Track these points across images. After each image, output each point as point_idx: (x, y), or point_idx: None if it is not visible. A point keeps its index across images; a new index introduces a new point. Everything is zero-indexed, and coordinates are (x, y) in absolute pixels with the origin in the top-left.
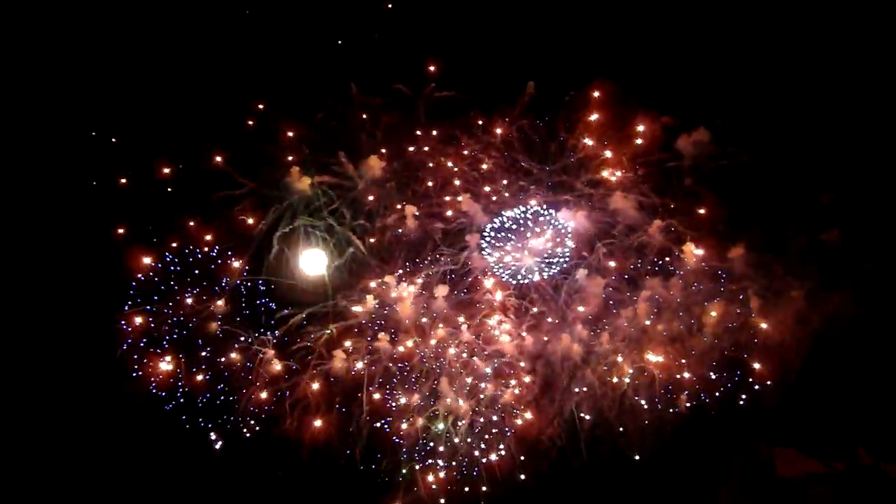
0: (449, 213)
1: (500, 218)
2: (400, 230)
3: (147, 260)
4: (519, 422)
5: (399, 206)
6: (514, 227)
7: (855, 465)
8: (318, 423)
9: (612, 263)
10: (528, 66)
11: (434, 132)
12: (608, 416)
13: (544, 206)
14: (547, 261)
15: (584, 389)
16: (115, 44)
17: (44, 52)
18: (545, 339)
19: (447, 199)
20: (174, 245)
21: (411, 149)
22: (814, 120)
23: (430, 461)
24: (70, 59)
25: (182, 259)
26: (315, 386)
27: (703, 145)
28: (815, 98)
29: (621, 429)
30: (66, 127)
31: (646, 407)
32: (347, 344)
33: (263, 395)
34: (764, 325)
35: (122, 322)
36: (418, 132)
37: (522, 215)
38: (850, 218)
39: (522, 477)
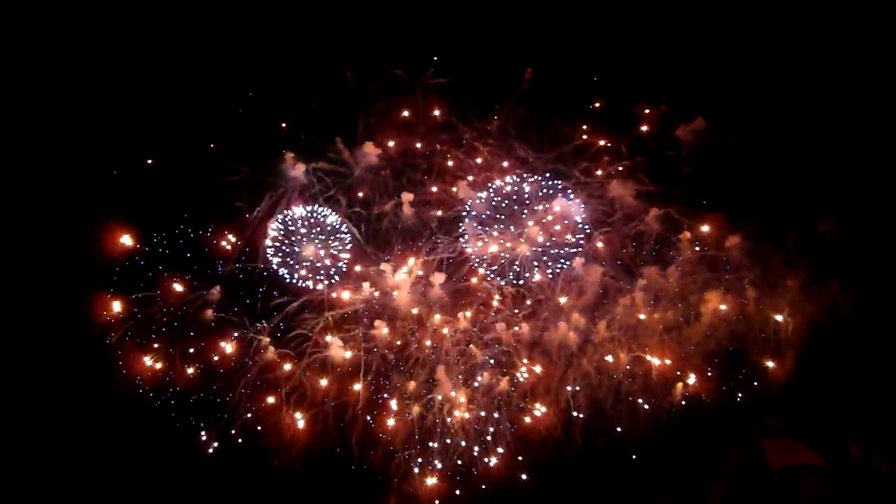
0: (444, 202)
1: (489, 193)
2: (396, 217)
3: (130, 242)
4: (523, 417)
5: (395, 194)
6: (505, 203)
7: (845, 457)
8: (313, 415)
9: (605, 249)
10: (526, 54)
11: (433, 114)
12: (604, 406)
13: (548, 175)
14: (553, 252)
15: (581, 379)
16: (108, 28)
17: (36, 44)
18: (542, 328)
19: (442, 187)
20: (165, 232)
21: (408, 136)
22: (811, 113)
23: (425, 455)
24: (59, 48)
25: (174, 246)
26: (310, 375)
27: (701, 135)
28: (813, 91)
29: (617, 418)
30: (57, 115)
31: (641, 401)
32: (332, 337)
33: (259, 384)
34: (761, 316)
35: (105, 311)
36: (411, 115)
37: (517, 186)
38: (847, 210)
39: (518, 468)
